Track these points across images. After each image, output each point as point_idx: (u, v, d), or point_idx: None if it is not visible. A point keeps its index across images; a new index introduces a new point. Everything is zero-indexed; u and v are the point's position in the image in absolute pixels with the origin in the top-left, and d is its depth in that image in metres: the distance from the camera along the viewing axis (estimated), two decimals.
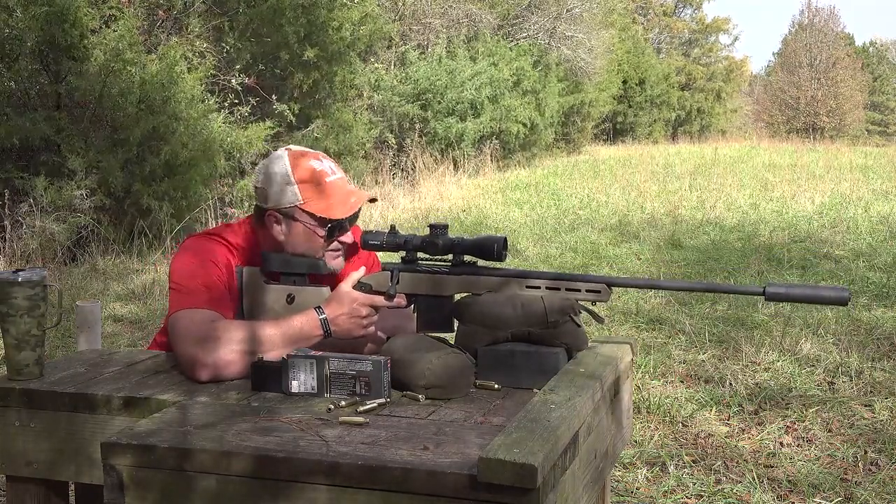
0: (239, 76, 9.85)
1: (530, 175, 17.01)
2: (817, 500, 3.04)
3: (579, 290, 1.83)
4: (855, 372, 4.38)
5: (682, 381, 4.34)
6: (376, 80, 14.16)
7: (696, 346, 4.90)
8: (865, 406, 3.97)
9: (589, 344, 1.95)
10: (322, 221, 1.99)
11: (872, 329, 5.25)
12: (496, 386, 1.77)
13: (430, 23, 16.79)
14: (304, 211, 1.99)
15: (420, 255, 1.94)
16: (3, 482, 2.08)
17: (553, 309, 1.81)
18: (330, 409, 1.64)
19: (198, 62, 9.15)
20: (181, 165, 8.33)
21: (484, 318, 1.82)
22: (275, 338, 1.85)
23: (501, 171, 17.46)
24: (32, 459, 1.78)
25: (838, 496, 3.06)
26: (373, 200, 2.11)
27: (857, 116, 43.33)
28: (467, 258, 1.92)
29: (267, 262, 2.01)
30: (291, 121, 10.57)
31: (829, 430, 3.69)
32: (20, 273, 1.80)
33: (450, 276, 1.90)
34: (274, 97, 10.47)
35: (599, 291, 1.82)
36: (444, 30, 16.96)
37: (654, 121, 35.82)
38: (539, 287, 1.84)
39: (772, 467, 3.32)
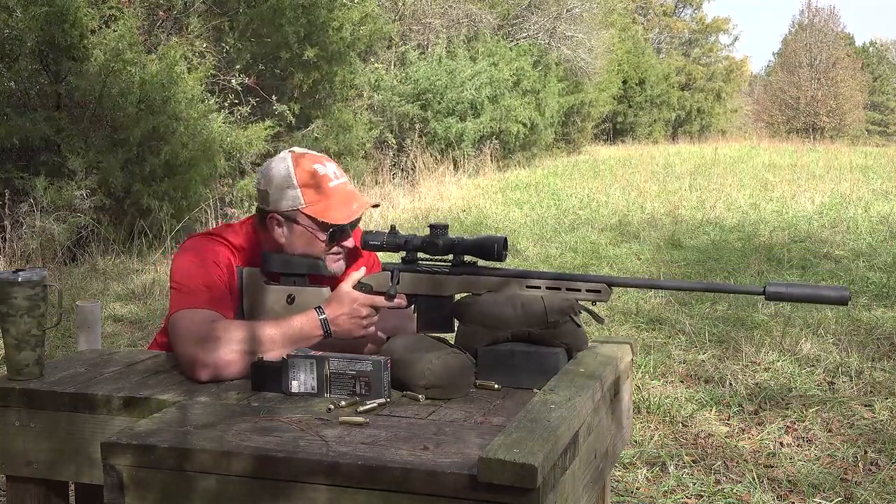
0: (239, 76, 9.86)
1: (530, 175, 17.01)
2: (817, 500, 3.04)
3: (579, 290, 1.83)
4: (855, 372, 4.38)
5: (682, 381, 4.34)
6: (376, 80, 14.16)
7: (696, 346, 4.90)
8: (865, 406, 3.97)
9: (589, 344, 1.95)
10: (323, 226, 1.99)
11: (872, 329, 5.25)
12: (496, 386, 1.77)
13: (430, 23, 16.79)
14: (305, 215, 1.99)
15: (420, 255, 1.94)
16: (3, 482, 2.08)
17: (553, 309, 1.81)
18: (330, 409, 1.64)
19: (198, 62, 9.15)
20: (181, 165, 8.33)
21: (484, 318, 1.82)
22: (275, 338, 1.85)
23: (501, 171, 17.46)
24: (32, 459, 1.78)
25: (838, 496, 3.06)
26: (375, 206, 2.11)
27: (857, 116, 43.33)
28: (467, 258, 1.92)
29: (267, 263, 2.01)
30: (291, 121, 10.57)
31: (829, 430, 3.69)
32: (20, 273, 1.80)
33: (450, 277, 1.90)
34: (274, 97, 10.47)
35: (600, 291, 1.82)
36: (444, 30, 16.96)
37: (654, 121, 35.82)
38: (539, 287, 1.84)
39: (772, 467, 3.32)
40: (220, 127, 8.96)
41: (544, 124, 19.93)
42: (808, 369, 4.48)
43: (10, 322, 1.81)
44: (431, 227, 1.91)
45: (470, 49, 17.34)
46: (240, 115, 9.81)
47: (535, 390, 1.72)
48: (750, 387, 4.20)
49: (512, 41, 19.77)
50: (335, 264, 2.04)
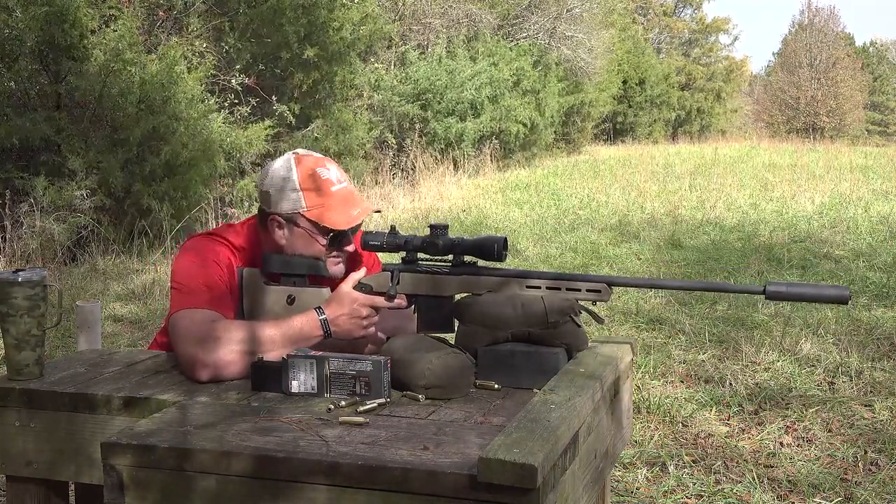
0: (239, 76, 9.86)
1: (530, 175, 17.01)
2: (817, 500, 3.04)
3: (580, 290, 1.83)
4: (855, 372, 4.38)
5: (682, 381, 4.34)
6: (376, 80, 14.16)
7: (696, 346, 4.90)
8: (865, 406, 3.97)
9: (589, 344, 1.95)
10: (323, 230, 1.99)
11: (872, 329, 5.25)
12: (496, 386, 1.77)
13: (430, 23, 16.79)
14: (305, 218, 1.99)
15: (420, 255, 1.94)
16: (3, 482, 2.08)
17: (553, 309, 1.81)
18: (330, 409, 1.64)
19: (198, 62, 9.15)
20: (181, 165, 8.33)
21: (484, 318, 1.82)
22: (275, 338, 1.85)
23: (501, 171, 17.46)
24: (32, 459, 1.79)
25: (838, 496, 3.06)
26: (377, 212, 2.11)
27: (857, 116, 43.33)
28: (467, 258, 1.92)
29: (267, 264, 2.01)
30: (291, 121, 10.57)
31: (829, 430, 3.69)
32: (20, 273, 1.80)
33: (450, 277, 1.90)
34: (274, 97, 10.47)
35: (600, 291, 1.82)
36: (444, 30, 16.96)
37: (654, 121, 35.82)
38: (539, 287, 1.84)
39: (772, 467, 3.32)
40: (220, 127, 8.97)
41: (544, 124, 19.93)
42: (808, 369, 4.48)
43: (10, 322, 1.81)
44: (431, 227, 1.91)
45: (470, 49, 17.34)
46: (240, 115, 9.81)
47: (535, 390, 1.72)
48: (750, 387, 4.20)
49: (512, 41, 19.77)
50: (335, 268, 2.04)
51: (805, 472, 3.26)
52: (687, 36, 46.79)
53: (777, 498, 3.08)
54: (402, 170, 14.19)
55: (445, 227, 1.91)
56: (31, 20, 7.25)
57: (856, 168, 17.43)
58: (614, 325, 5.31)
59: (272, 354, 1.82)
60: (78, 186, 7.48)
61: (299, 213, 1.99)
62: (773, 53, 78.30)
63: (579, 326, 1.87)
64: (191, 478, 1.45)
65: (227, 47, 9.84)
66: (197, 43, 9.36)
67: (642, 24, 43.10)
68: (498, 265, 1.89)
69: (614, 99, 30.14)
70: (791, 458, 3.39)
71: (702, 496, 3.08)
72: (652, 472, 3.27)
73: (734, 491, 3.11)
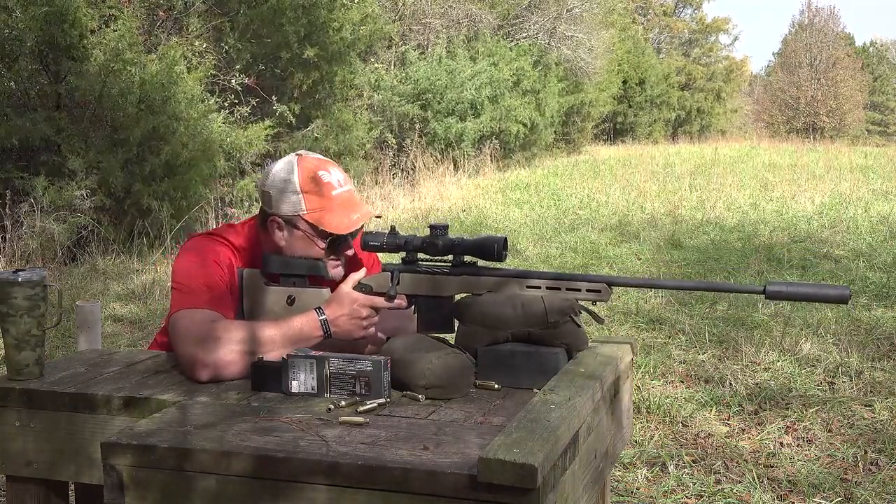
0: (239, 76, 9.86)
1: (530, 175, 17.01)
2: (817, 500, 3.04)
3: (580, 290, 1.83)
4: (855, 372, 4.38)
5: (682, 381, 4.34)
6: (376, 80, 14.16)
7: (696, 346, 4.90)
8: (865, 406, 3.97)
9: (589, 344, 1.95)
10: (322, 234, 1.99)
11: (872, 329, 5.25)
12: (496, 386, 1.77)
13: (430, 23, 16.79)
14: (305, 221, 1.99)
15: (420, 255, 1.94)
16: (3, 482, 2.08)
17: (553, 309, 1.81)
18: (330, 409, 1.64)
19: (198, 62, 9.15)
20: (181, 165, 8.33)
21: (484, 318, 1.82)
22: (275, 338, 1.85)
23: (501, 171, 17.46)
24: (32, 459, 1.79)
25: (838, 496, 3.06)
26: (377, 217, 2.11)
27: (857, 116, 43.33)
28: (467, 259, 1.91)
29: (267, 264, 2.01)
30: (291, 121, 10.57)
31: (829, 430, 3.69)
32: (20, 273, 1.80)
33: (450, 277, 1.90)
34: (274, 97, 10.47)
35: (600, 291, 1.82)
36: (444, 30, 16.96)
37: (654, 121, 35.82)
38: (539, 287, 1.84)
39: (772, 467, 3.32)
40: (220, 127, 8.97)
41: (544, 124, 19.93)
42: (808, 369, 4.48)
43: (10, 322, 1.81)
44: (431, 227, 1.91)
45: (470, 49, 17.34)
46: (240, 115, 9.81)
47: (535, 390, 1.72)
48: (750, 387, 4.20)
49: (512, 41, 19.77)
50: (333, 270, 2.04)
51: (805, 472, 3.26)
52: (687, 36, 46.79)
53: (777, 498, 3.08)
54: (402, 170, 14.19)
55: (445, 227, 1.91)
56: (31, 20, 7.25)
57: (856, 168, 17.43)
58: (614, 325, 5.31)
59: (272, 354, 1.82)
60: (78, 186, 7.48)
61: (299, 215, 1.99)
62: (773, 53, 78.34)
63: (579, 326, 1.87)
64: (191, 478, 1.45)
65: (227, 47, 9.84)
66: (197, 43, 9.36)
67: (642, 24, 43.10)
68: (498, 265, 1.89)
69: (614, 99, 30.14)
70: (791, 458, 3.39)
71: (702, 496, 3.08)
72: (652, 472, 3.27)
73: (734, 491, 3.11)
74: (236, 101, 9.81)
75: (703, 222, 10.02)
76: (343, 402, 1.66)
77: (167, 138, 8.13)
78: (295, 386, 1.73)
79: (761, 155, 22.61)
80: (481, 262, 1.91)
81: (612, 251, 8.20)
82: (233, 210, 9.40)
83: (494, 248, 1.83)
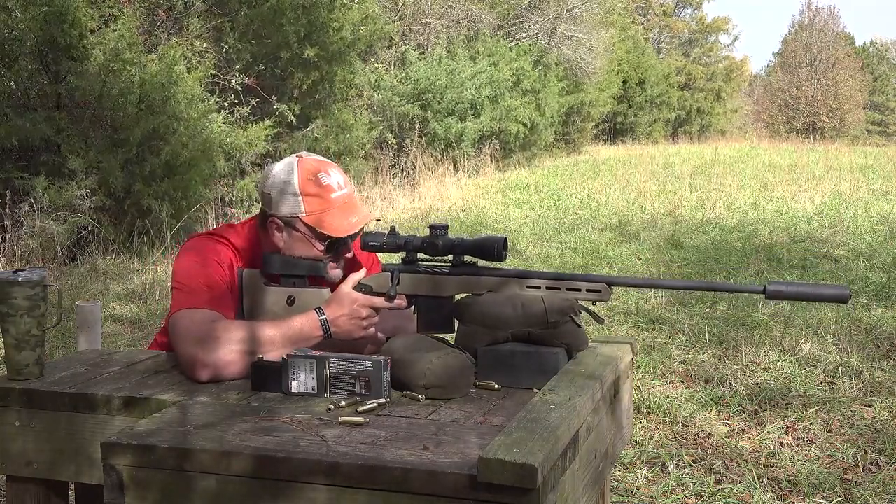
0: (239, 76, 9.86)
1: (530, 175, 17.01)
2: (817, 500, 3.04)
3: (580, 290, 1.83)
4: (855, 372, 4.38)
5: (682, 381, 4.34)
6: (376, 80, 14.16)
7: (696, 346, 4.90)
8: (865, 406, 3.97)
9: (589, 344, 1.95)
10: (321, 236, 1.99)
11: (872, 329, 5.25)
12: (496, 386, 1.77)
13: (430, 23, 16.79)
14: (304, 223, 1.99)
15: (420, 255, 1.94)
16: (3, 482, 2.08)
17: (553, 309, 1.81)
18: (330, 409, 1.64)
19: (198, 62, 9.15)
20: (181, 165, 8.33)
21: (484, 318, 1.82)
22: (275, 338, 1.85)
23: (501, 171, 17.46)
24: (32, 459, 1.78)
25: (838, 496, 3.06)
26: (377, 220, 2.11)
27: (857, 116, 43.33)
28: (467, 259, 1.91)
29: (267, 264, 2.01)
30: (291, 121, 10.57)
31: (829, 430, 3.69)
32: (20, 273, 1.80)
33: (450, 277, 1.90)
34: (274, 97, 10.47)
35: (600, 291, 1.82)
36: (444, 30, 16.96)
37: (654, 121, 35.83)
38: (539, 287, 1.84)
39: (772, 467, 3.32)
40: (220, 127, 8.97)
41: (544, 124, 19.93)
42: (808, 369, 4.48)
43: (10, 322, 1.81)
44: (431, 227, 1.91)
45: (470, 49, 17.34)
46: (240, 115, 9.81)
47: (535, 390, 1.72)
48: (750, 387, 4.20)
49: (512, 41, 19.77)
50: (332, 272, 2.03)
51: (805, 472, 3.26)
52: (687, 36, 46.80)
53: (777, 498, 3.08)
54: (402, 170, 14.20)
55: (445, 227, 1.91)
56: (30, 20, 7.25)
57: (856, 168, 17.43)
58: (614, 325, 5.31)
59: (272, 354, 1.82)
60: (78, 186, 7.48)
61: (298, 217, 1.99)
62: (773, 53, 78.34)
63: (579, 326, 1.87)
64: (191, 478, 1.45)
65: (226, 47, 9.85)
66: (197, 43, 9.36)
67: (642, 24, 43.10)
68: (498, 265, 1.89)
69: (614, 99, 30.14)
70: (791, 458, 3.39)
71: (702, 496, 3.08)
72: (652, 472, 3.27)
73: (734, 491, 3.11)
74: (236, 101, 9.81)
75: (703, 222, 10.02)
76: (343, 402, 1.66)
77: (167, 138, 8.13)
78: (295, 386, 1.73)
79: (761, 155, 22.61)
80: (481, 263, 1.91)
81: (612, 251, 8.20)
82: (233, 210, 9.40)
83: (494, 248, 1.83)
